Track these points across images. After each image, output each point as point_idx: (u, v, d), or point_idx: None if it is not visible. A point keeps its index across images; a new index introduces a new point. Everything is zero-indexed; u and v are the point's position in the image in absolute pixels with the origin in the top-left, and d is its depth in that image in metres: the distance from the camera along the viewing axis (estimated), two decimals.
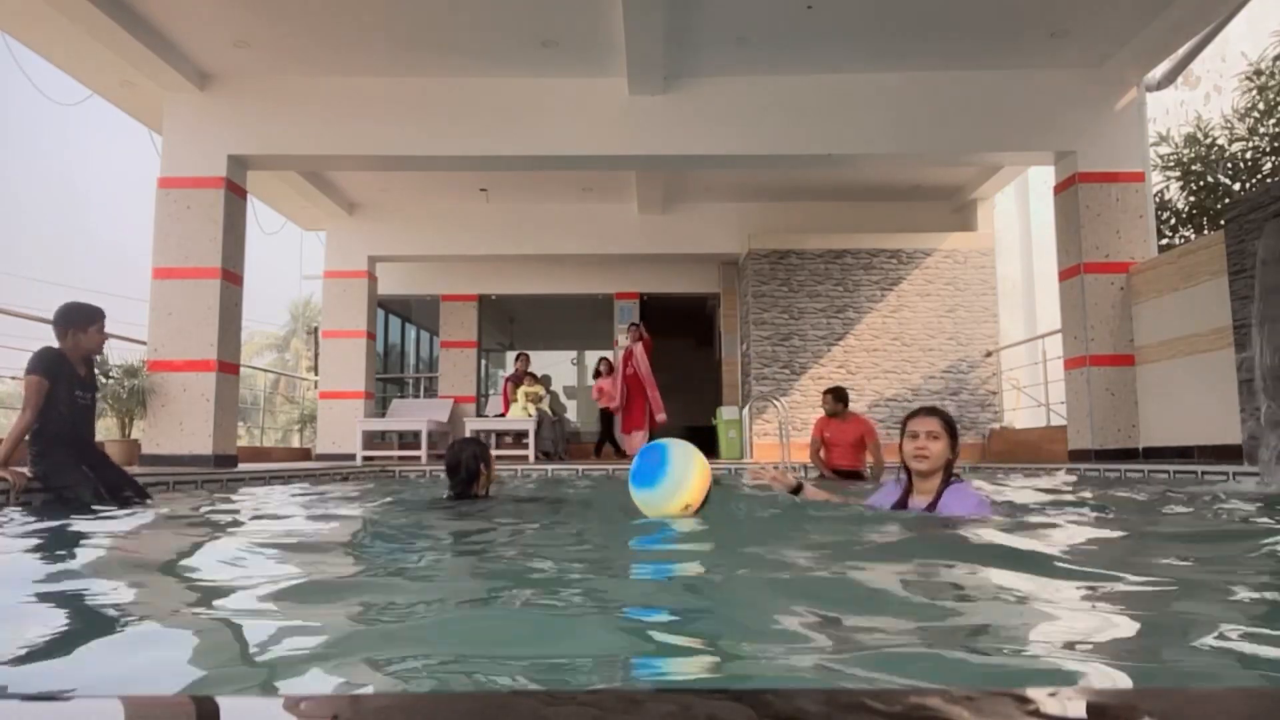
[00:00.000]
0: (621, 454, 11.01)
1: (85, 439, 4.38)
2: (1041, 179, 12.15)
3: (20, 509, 3.79)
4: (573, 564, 2.13)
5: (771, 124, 8.10)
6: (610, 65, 7.72)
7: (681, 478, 2.64)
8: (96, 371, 4.91)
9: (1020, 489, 5.07)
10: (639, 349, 11.07)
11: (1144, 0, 6.82)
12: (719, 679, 0.93)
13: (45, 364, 4.14)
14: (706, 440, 12.71)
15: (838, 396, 7.41)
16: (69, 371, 4.23)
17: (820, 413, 7.71)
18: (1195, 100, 12.37)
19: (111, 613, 1.59)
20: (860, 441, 7.28)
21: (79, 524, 3.21)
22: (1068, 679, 1.01)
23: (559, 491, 5.44)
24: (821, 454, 7.44)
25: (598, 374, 11.50)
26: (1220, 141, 8.67)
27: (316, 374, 13.34)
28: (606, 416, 11.54)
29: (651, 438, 10.97)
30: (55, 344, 4.26)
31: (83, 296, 4.60)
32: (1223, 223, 6.34)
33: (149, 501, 4.39)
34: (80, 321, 4.27)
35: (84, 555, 2.45)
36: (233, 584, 1.89)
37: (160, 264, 7.71)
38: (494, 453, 10.46)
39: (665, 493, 2.64)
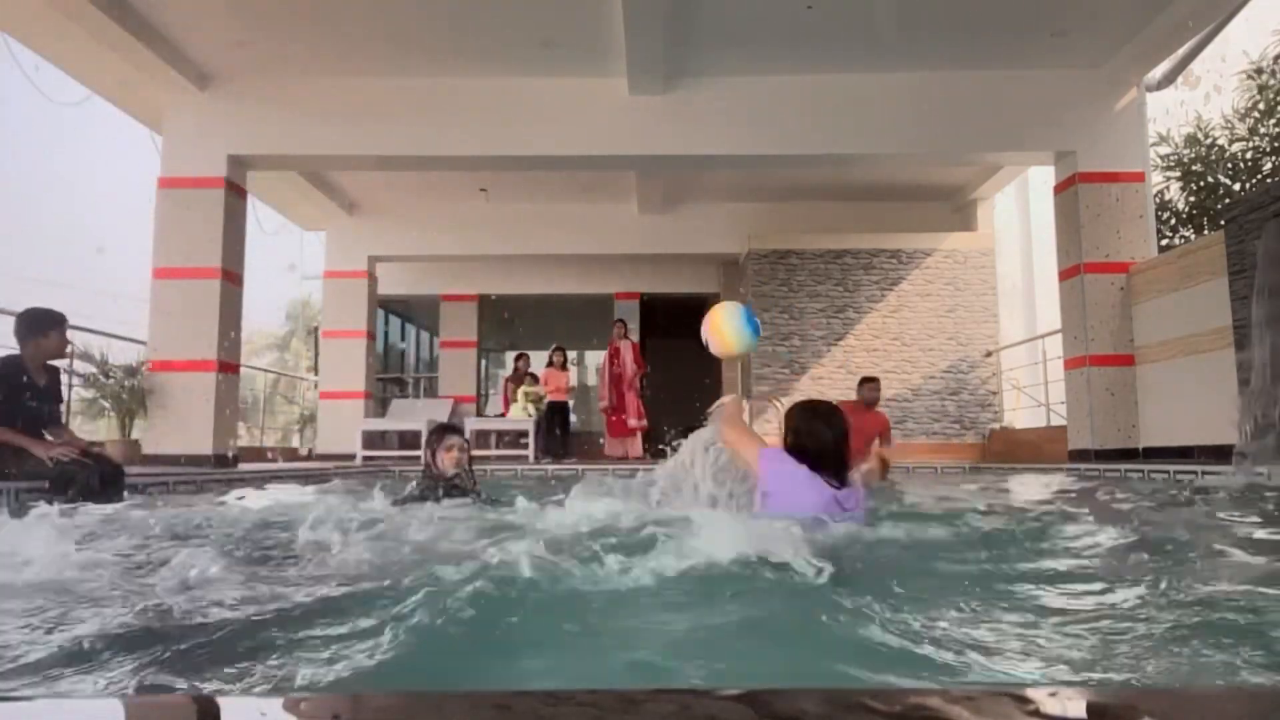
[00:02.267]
0: (558, 458, 10.42)
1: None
2: (1041, 179, 12.12)
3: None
4: (555, 565, 2.12)
5: (771, 124, 8.09)
6: (610, 65, 7.71)
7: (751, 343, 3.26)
8: (72, 378, 4.72)
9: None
10: (625, 346, 10.88)
11: (1144, 0, 6.82)
12: (719, 679, 0.93)
13: None
14: None
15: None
16: (22, 383, 4.05)
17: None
18: (1195, 100, 12.34)
19: (110, 613, 1.59)
20: (875, 435, 7.13)
21: (70, 522, 3.21)
22: (1068, 679, 1.01)
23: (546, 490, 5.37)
24: None
25: (550, 364, 11.13)
26: (1220, 141, 8.67)
27: (316, 374, 13.34)
28: (553, 412, 10.94)
29: (645, 442, 10.95)
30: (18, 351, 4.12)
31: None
32: (1223, 223, 6.33)
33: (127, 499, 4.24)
34: (42, 327, 4.13)
35: (76, 553, 2.45)
36: (228, 584, 1.89)
37: (160, 264, 7.71)
38: (494, 453, 10.59)
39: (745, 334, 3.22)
